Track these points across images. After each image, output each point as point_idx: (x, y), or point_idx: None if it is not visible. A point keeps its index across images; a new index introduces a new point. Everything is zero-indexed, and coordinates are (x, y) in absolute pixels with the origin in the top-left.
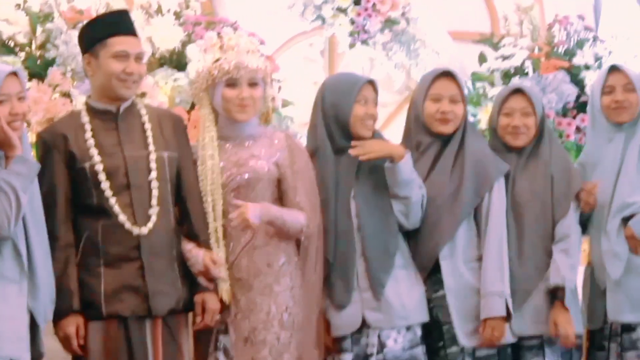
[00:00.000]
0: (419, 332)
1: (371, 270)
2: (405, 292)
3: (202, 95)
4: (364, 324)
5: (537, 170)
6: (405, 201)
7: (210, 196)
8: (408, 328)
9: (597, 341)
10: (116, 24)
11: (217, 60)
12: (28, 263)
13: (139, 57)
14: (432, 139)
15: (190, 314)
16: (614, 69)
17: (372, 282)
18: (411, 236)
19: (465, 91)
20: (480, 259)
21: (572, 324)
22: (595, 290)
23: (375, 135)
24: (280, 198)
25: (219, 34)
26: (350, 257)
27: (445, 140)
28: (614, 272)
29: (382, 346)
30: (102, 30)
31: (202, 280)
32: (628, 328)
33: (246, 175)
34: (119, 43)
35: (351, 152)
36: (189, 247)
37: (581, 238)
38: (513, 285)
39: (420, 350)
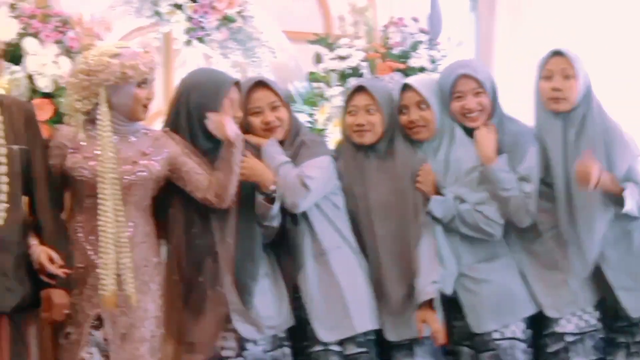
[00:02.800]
0: (281, 333)
1: (238, 280)
2: (271, 301)
3: (98, 91)
4: None
5: (398, 170)
6: (269, 229)
7: (109, 200)
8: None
9: None
10: None
11: (115, 55)
12: None
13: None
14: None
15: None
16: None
17: (239, 292)
18: (279, 245)
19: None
20: (324, 252)
21: (439, 322)
22: None
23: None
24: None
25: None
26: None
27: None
28: None
29: (241, 349)
30: None
31: (41, 277)
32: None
33: (141, 174)
34: None
35: None
36: (32, 243)
37: None
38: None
39: (283, 352)
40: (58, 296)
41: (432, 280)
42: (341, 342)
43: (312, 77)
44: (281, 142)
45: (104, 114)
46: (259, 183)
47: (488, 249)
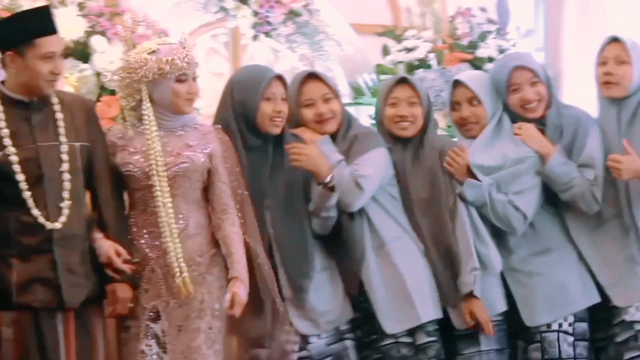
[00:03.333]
0: (343, 326)
1: (291, 279)
2: (328, 295)
3: (140, 88)
4: None
5: (428, 161)
6: (327, 220)
7: (161, 193)
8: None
9: None
10: (43, 23)
11: (152, 52)
12: None
13: (62, 54)
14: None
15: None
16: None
17: (294, 290)
18: (335, 238)
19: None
20: (384, 244)
21: (485, 311)
22: None
23: (287, 135)
24: (205, 188)
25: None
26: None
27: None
28: None
29: (305, 342)
30: (29, 30)
31: (107, 271)
32: None
33: (184, 165)
34: (47, 44)
35: (291, 155)
36: (97, 237)
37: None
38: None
39: (345, 344)
40: (123, 290)
41: (470, 268)
42: (410, 333)
43: (380, 70)
44: (333, 135)
45: (147, 110)
46: (314, 173)
47: (541, 241)
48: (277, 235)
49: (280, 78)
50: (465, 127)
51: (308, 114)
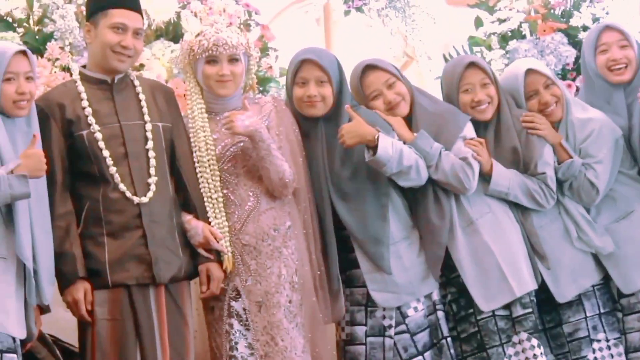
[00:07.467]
0: (435, 296)
1: (369, 257)
2: (409, 266)
3: (186, 69)
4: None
5: (505, 141)
6: (404, 175)
7: (208, 167)
8: (426, 295)
9: None
10: None
11: (198, 35)
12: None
13: (137, 32)
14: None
15: (192, 283)
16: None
17: (375, 265)
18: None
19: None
20: (472, 222)
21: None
22: None
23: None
24: None
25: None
26: (332, 252)
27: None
28: None
29: (403, 316)
30: (106, 0)
31: (201, 251)
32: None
33: (241, 144)
34: (119, 15)
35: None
36: (187, 218)
37: None
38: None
39: (438, 315)
40: (216, 270)
41: None
42: (506, 306)
43: (473, 42)
44: (408, 118)
45: (190, 89)
46: (364, 142)
47: (622, 205)
48: (347, 211)
49: (312, 61)
50: (547, 112)
51: (378, 104)
